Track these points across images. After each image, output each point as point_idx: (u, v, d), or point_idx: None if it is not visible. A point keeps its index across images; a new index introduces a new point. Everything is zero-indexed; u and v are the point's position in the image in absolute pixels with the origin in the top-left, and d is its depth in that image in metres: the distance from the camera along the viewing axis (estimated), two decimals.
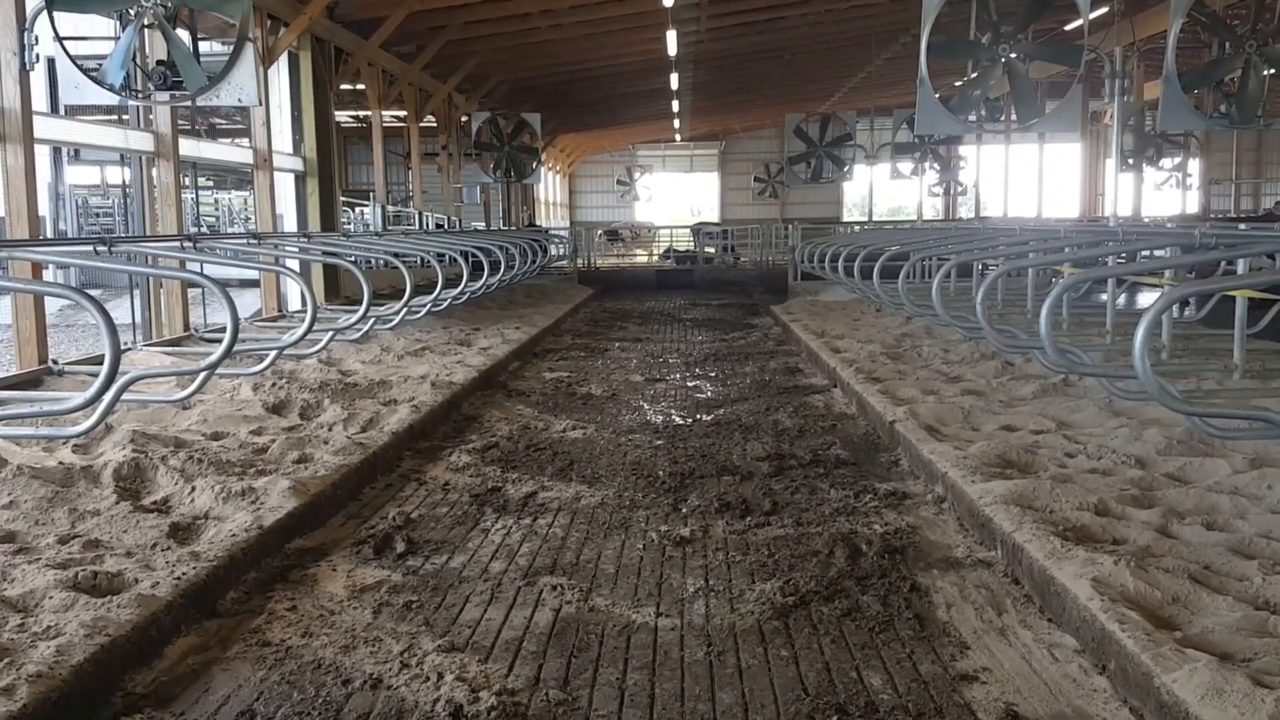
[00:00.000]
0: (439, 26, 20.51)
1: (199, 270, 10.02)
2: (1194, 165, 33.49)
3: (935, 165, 28.07)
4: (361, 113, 34.27)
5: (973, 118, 13.55)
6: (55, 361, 9.28)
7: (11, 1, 9.17)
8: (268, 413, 7.99)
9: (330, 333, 9.19)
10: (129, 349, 9.86)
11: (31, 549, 4.84)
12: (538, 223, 38.17)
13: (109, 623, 3.91)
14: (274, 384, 8.81)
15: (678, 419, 9.07)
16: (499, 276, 14.71)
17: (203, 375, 6.75)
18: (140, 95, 10.53)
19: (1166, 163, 30.06)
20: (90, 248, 7.68)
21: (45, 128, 10.54)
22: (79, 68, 9.95)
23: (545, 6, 20.61)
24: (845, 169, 30.13)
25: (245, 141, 15.41)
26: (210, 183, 33.35)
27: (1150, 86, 24.67)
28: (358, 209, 23.84)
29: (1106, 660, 3.81)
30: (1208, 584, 4.22)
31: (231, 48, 10.47)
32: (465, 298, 12.97)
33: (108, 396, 5.45)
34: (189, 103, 10.88)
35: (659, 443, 8.05)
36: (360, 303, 9.40)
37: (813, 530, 5.67)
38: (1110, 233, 10.13)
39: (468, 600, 4.73)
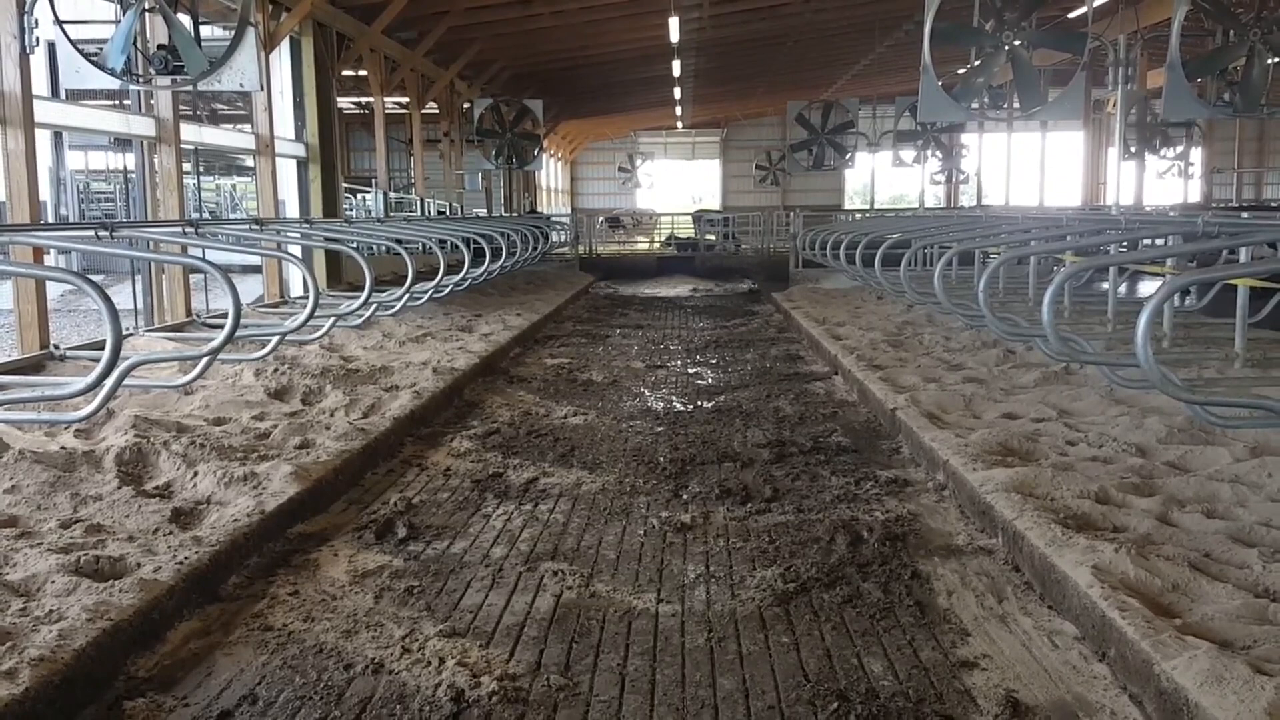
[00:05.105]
0: (441, 12, 20.46)
1: (201, 255, 10.02)
2: (1196, 154, 33.41)
3: (937, 153, 27.99)
4: (363, 99, 34.24)
5: (975, 105, 13.54)
6: (57, 346, 9.28)
7: None
8: (270, 398, 8.01)
9: (332, 319, 9.18)
10: (131, 334, 9.86)
11: (34, 533, 4.86)
12: (539, 209, 38.10)
13: (111, 607, 3.92)
14: (276, 369, 8.82)
15: (679, 405, 9.07)
16: (500, 263, 14.70)
17: (205, 360, 6.75)
18: (141, 80, 10.50)
19: (1169, 151, 29.98)
20: (92, 233, 7.68)
21: (46, 112, 10.52)
22: (79, 51, 9.92)
23: None
24: (847, 156, 30.06)
25: (247, 127, 15.37)
26: (201, 169, 33.36)
27: (1153, 74, 24.58)
28: (360, 195, 23.83)
29: (1106, 647, 3.82)
30: (1208, 571, 4.23)
31: (233, 32, 10.43)
32: (467, 284, 12.96)
33: (109, 381, 5.45)
34: (190, 87, 10.85)
35: (660, 429, 8.06)
36: (362, 289, 9.39)
37: (814, 517, 5.67)
38: (1112, 221, 10.11)
39: (469, 585, 4.74)
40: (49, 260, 12.51)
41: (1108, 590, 3.96)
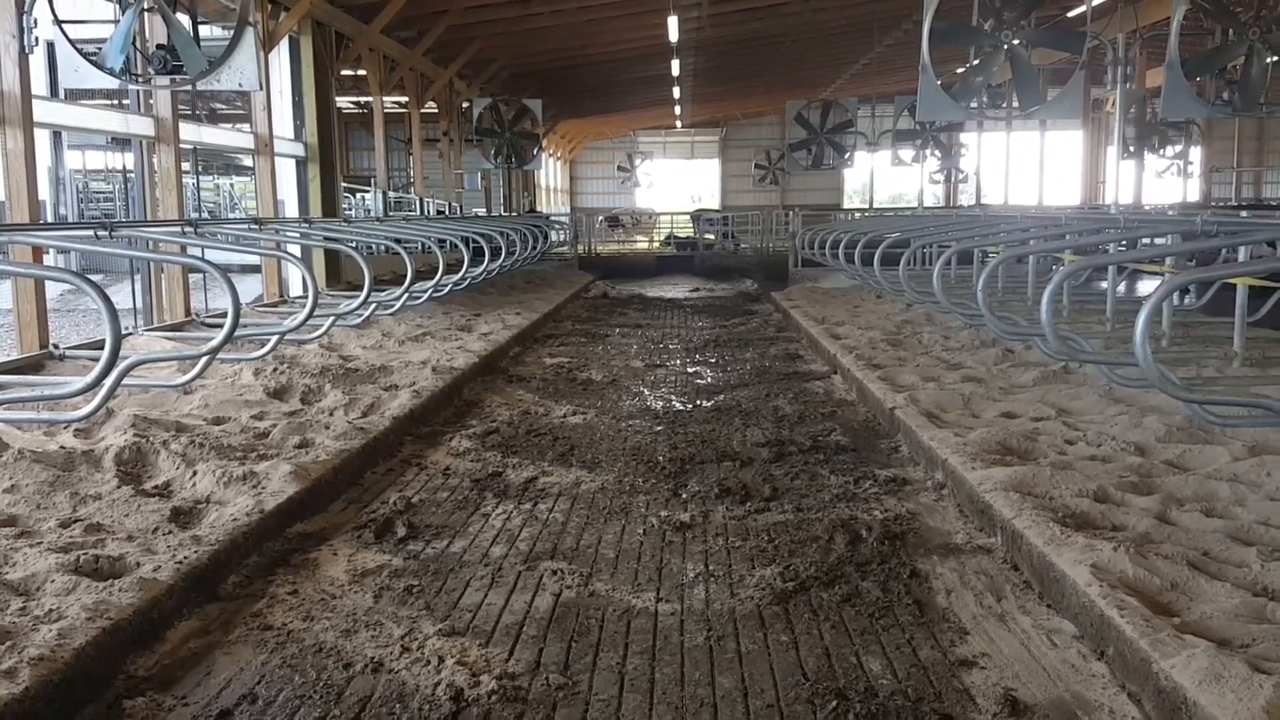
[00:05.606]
0: (440, 11, 20.45)
1: (200, 255, 10.02)
2: (1195, 153, 33.43)
3: (936, 152, 27.99)
4: (362, 98, 34.22)
5: (974, 104, 13.54)
6: (56, 346, 9.28)
7: None
8: (269, 397, 8.01)
9: (331, 318, 9.18)
10: (130, 334, 9.86)
11: (33, 533, 4.86)
12: (538, 209, 38.10)
13: (110, 606, 3.92)
14: (275, 369, 8.82)
15: (678, 405, 9.08)
16: (500, 262, 14.72)
17: (204, 360, 6.75)
18: (140, 79, 10.50)
19: (1168, 150, 29.99)
20: (91, 232, 7.68)
21: (45, 111, 10.52)
22: (79, 51, 9.93)
23: None
24: (846, 155, 30.04)
25: (246, 127, 15.37)
26: (200, 168, 33.36)
27: (1152, 73, 24.61)
28: (359, 195, 23.80)
29: (1105, 646, 3.82)
30: (1206, 570, 4.23)
31: (232, 32, 10.44)
32: (466, 283, 12.97)
33: (109, 381, 5.45)
34: (189, 87, 10.85)
35: (659, 428, 8.06)
36: (361, 288, 9.40)
37: (813, 516, 5.68)
38: (1111, 220, 10.12)
39: (468, 585, 4.74)
40: (48, 260, 12.51)
41: (1106, 589, 3.96)
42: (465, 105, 27.29)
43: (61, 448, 6.14)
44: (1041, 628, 4.19)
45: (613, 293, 21.05)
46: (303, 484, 5.70)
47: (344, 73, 19.33)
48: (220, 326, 6.26)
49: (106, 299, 5.10)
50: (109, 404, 6.37)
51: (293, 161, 16.51)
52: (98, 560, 4.41)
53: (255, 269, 17.10)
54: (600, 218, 36.77)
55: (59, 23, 9.51)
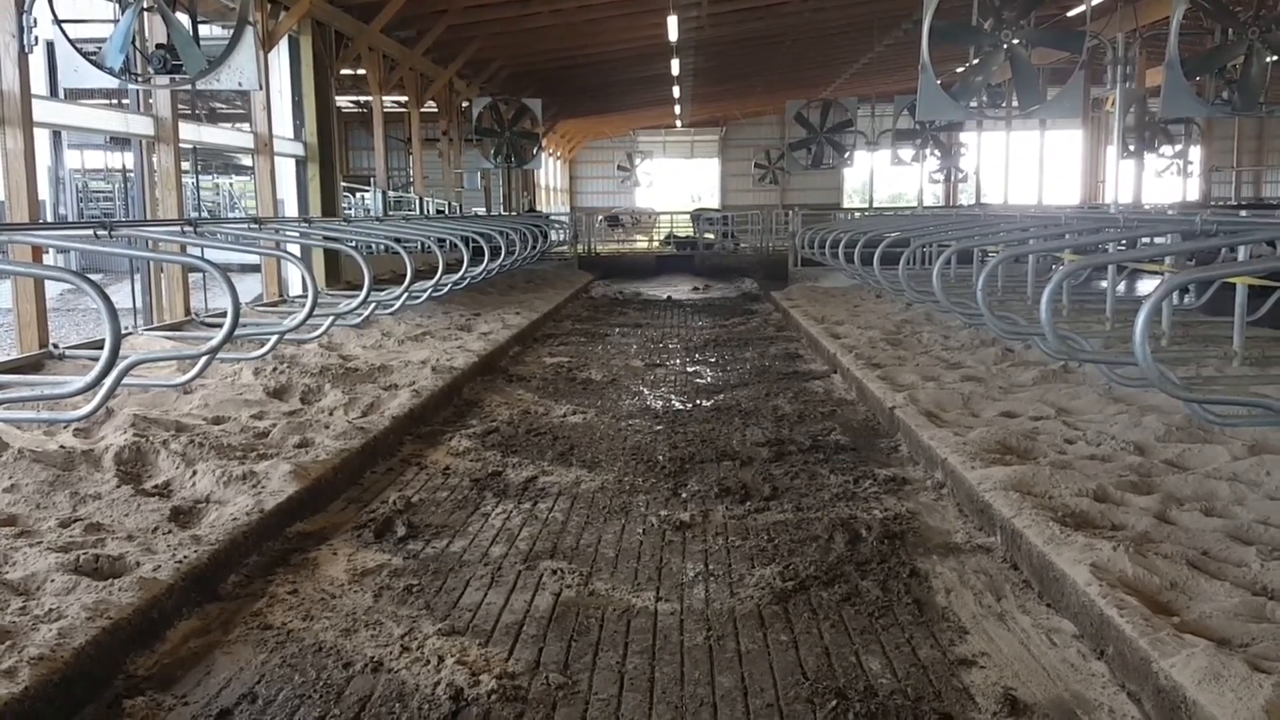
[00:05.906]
0: (440, 11, 20.46)
1: (200, 254, 10.03)
2: (1195, 152, 33.41)
3: (936, 152, 27.99)
4: (362, 98, 34.23)
5: (974, 104, 13.55)
6: (56, 345, 9.28)
7: None
8: (269, 397, 8.01)
9: (331, 318, 9.18)
10: (130, 333, 9.86)
11: (33, 532, 4.86)
12: (538, 208, 38.08)
13: (110, 606, 3.92)
14: (275, 369, 8.82)
15: (678, 404, 9.08)
16: (500, 262, 14.72)
17: (204, 359, 6.75)
18: (140, 79, 10.50)
19: (1167, 150, 29.98)
20: (90, 232, 7.68)
21: (45, 111, 10.52)
22: (78, 51, 9.93)
23: None
24: (846, 155, 30.05)
25: (245, 126, 15.37)
26: (199, 167, 33.33)
27: (1152, 73, 24.60)
28: (358, 194, 23.83)
29: (1105, 645, 3.82)
30: (1206, 570, 4.23)
31: (231, 31, 10.44)
32: (466, 283, 12.97)
33: (109, 380, 5.45)
34: (189, 87, 10.85)
35: (659, 428, 8.06)
36: (361, 288, 9.40)
37: (812, 515, 5.68)
38: (1111, 220, 10.13)
39: (468, 584, 4.74)
40: (48, 259, 12.50)
41: (1106, 588, 3.96)
42: (465, 105, 27.29)
43: (61, 447, 6.14)
44: (1041, 627, 4.19)
45: (612, 292, 21.06)
46: (302, 483, 5.70)
47: (344, 72, 19.32)
48: (220, 326, 6.26)
49: (106, 298, 5.10)
50: (109, 403, 6.37)
51: (292, 161, 16.50)
52: (98, 560, 4.41)
53: (255, 268, 17.10)
54: (600, 217, 36.74)
55: (59, 22, 9.51)
